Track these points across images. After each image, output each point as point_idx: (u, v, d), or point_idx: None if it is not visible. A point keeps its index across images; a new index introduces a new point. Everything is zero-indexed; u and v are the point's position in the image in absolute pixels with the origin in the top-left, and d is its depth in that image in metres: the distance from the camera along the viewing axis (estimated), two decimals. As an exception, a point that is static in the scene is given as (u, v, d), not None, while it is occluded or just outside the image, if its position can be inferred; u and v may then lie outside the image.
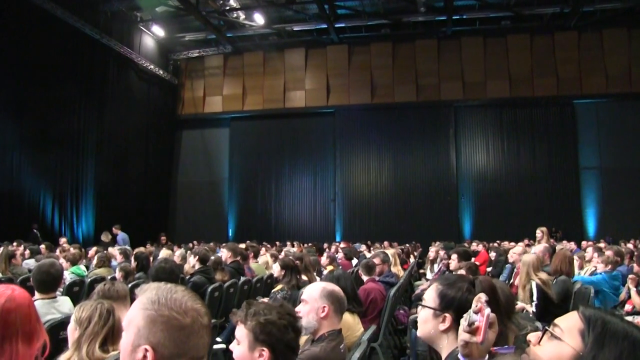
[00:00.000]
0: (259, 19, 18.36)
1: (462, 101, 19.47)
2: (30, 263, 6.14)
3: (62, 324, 3.02)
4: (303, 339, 2.68)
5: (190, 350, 1.35)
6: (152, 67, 19.70)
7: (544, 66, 18.74)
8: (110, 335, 2.43)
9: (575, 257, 6.44)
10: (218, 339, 4.98)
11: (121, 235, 13.27)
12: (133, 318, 1.36)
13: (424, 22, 18.90)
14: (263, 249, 10.08)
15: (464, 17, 18.49)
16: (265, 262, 7.60)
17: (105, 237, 12.52)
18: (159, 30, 19.37)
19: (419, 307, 1.90)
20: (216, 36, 19.82)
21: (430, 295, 1.86)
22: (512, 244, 10.85)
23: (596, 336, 1.24)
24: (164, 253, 6.09)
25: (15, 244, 8.54)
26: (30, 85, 13.59)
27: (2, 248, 6.25)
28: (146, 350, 1.31)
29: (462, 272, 5.03)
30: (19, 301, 1.99)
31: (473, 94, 19.30)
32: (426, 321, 1.83)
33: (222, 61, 21.40)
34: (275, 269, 5.15)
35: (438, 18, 18.57)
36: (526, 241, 11.35)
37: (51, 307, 3.47)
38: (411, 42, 19.79)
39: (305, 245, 13.64)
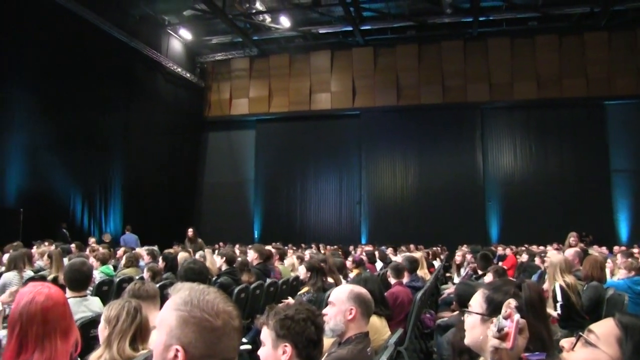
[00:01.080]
0: (284, 21, 18.45)
1: (489, 103, 19.23)
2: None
3: (93, 322, 3.07)
4: (330, 341, 2.68)
5: (221, 352, 1.36)
6: (179, 69, 19.96)
7: (573, 67, 18.38)
8: (139, 333, 2.47)
9: (609, 262, 6.28)
10: (244, 340, 5.01)
11: (126, 236, 13.54)
12: (165, 318, 1.38)
13: (449, 24, 18.71)
14: (289, 251, 10.09)
15: (491, 18, 18.27)
16: (291, 264, 7.61)
17: (106, 238, 12.77)
18: (186, 34, 19.61)
19: (465, 314, 1.85)
20: (242, 39, 19.98)
21: (477, 300, 1.82)
22: (542, 247, 10.66)
23: (635, 344, 1.20)
24: (182, 255, 6.13)
25: (46, 243, 8.73)
26: (61, 87, 13.89)
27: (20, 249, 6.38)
28: (177, 350, 1.33)
29: (490, 276, 4.96)
30: (55, 299, 2.06)
31: (500, 95, 19.05)
32: (474, 327, 1.78)
33: (248, 64, 21.56)
34: (301, 271, 5.16)
35: (464, 19, 18.38)
36: (555, 245, 11.13)
37: (82, 306, 3.52)
38: (437, 44, 19.64)
39: (331, 248, 13.61)
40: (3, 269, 5.51)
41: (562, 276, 4.51)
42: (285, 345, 1.89)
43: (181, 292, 1.42)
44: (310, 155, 20.69)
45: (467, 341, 1.80)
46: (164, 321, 1.39)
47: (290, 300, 4.54)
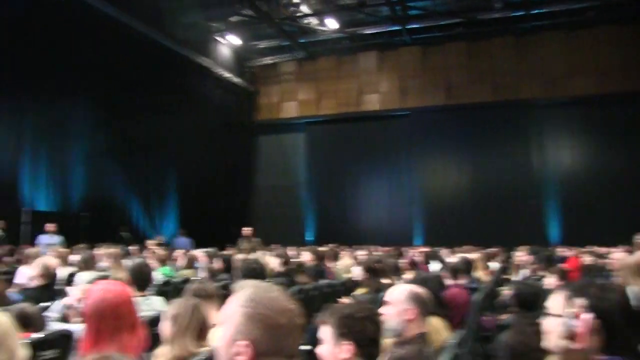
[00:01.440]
0: (331, 23, 18.49)
1: (544, 99, 18.58)
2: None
3: (155, 320, 3.16)
4: (388, 341, 2.65)
5: (285, 349, 1.38)
6: (228, 75, 20.33)
7: (639, 58, 17.44)
8: (200, 331, 2.55)
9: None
10: (301, 340, 5.02)
11: (180, 239, 14.03)
12: (231, 314, 1.41)
13: (500, 19, 18.18)
14: (344, 252, 10.10)
15: (544, 11, 17.65)
16: (346, 265, 7.60)
17: (158, 241, 13.08)
18: (234, 39, 19.95)
19: (544, 317, 1.76)
20: (289, 43, 20.15)
21: (557, 301, 1.73)
22: (607, 249, 10.17)
23: None
24: (238, 257, 6.22)
25: (108, 245, 9.06)
26: (117, 97, 14.53)
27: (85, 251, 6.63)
28: (244, 345, 1.34)
29: (552, 278, 4.78)
30: (123, 296, 2.19)
31: (556, 91, 18.35)
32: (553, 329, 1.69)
33: (296, 67, 21.75)
34: (357, 272, 5.14)
35: (515, 13, 17.83)
36: (623, 247, 10.58)
37: (144, 304, 3.64)
38: (487, 40, 19.17)
39: (383, 249, 13.51)
40: (70, 269, 5.77)
41: (635, 280, 4.28)
42: (346, 344, 1.88)
43: (246, 290, 1.45)
44: (361, 156, 20.60)
45: (548, 344, 1.71)
46: (229, 317, 1.41)
47: (346, 300, 4.53)
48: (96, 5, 13.75)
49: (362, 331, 1.92)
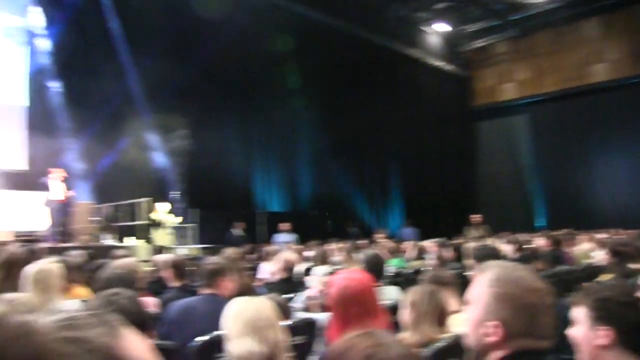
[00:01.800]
0: (544, -7, 16.97)
1: None
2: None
3: (393, 308, 3.25)
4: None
5: (538, 329, 1.30)
6: (439, 63, 20.14)
7: None
8: (439, 317, 2.54)
9: None
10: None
11: (406, 230, 14.28)
12: (478, 295, 1.37)
13: None
14: (581, 236, 9.14)
15: None
16: (586, 250, 6.86)
17: (383, 233, 13.24)
18: (441, 27, 19.67)
19: None
20: (500, 22, 19.10)
21: None
22: None
23: None
24: (469, 245, 6.04)
25: (339, 240, 9.67)
26: (336, 98, 15.45)
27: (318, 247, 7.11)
28: (494, 325, 1.30)
29: None
30: (365, 284, 2.32)
31: None
32: None
33: (510, 46, 20.51)
34: (599, 256, 4.59)
35: None
36: None
37: (380, 294, 3.78)
38: None
39: (627, 232, 11.82)
40: (306, 264, 6.31)
41: None
42: (605, 329, 1.69)
43: (492, 270, 1.39)
44: (591, 133, 18.53)
45: None
46: (477, 298, 1.37)
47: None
48: (308, 13, 14.97)
49: (624, 317, 1.70)
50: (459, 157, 20.73)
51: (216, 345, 2.35)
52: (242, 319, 1.95)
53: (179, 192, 12.65)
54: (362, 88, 16.05)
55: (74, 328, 0.75)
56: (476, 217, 11.68)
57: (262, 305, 2.03)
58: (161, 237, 10.25)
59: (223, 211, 12.50)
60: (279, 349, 1.94)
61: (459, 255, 5.51)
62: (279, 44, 14.00)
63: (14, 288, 2.99)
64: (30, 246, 5.98)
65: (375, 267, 3.97)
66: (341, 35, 15.74)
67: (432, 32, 20.06)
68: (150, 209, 10.79)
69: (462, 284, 2.81)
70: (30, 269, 3.09)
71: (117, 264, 3.75)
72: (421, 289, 2.62)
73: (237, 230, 11.92)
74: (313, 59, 14.76)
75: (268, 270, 5.65)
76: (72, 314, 0.79)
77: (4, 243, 7.21)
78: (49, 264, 3.20)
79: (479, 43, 21.00)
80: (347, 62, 15.64)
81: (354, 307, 2.20)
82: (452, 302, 2.86)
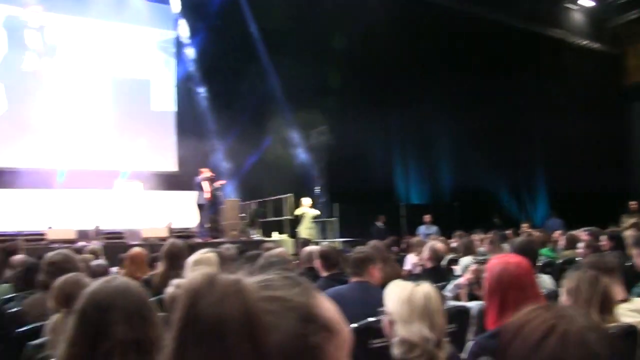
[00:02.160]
0: None
1: None
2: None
3: (550, 295, 3.13)
4: None
5: None
6: (584, 42, 18.66)
7: None
8: (603, 304, 2.39)
9: None
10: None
11: (551, 221, 13.32)
12: None
13: None
14: None
15: None
16: None
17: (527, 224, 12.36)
18: (586, 2, 18.17)
19: None
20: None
21: None
22: None
23: None
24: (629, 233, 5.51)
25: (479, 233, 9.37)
26: (472, 86, 14.84)
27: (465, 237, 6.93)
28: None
29: None
30: (525, 267, 2.25)
31: None
32: None
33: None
34: None
35: None
36: None
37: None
38: None
39: None
40: (452, 255, 6.23)
41: None
42: None
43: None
44: None
45: None
46: None
47: None
48: (443, 2, 14.76)
49: None
50: (611, 140, 18.83)
51: (370, 331, 2.42)
52: (412, 304, 1.92)
53: (320, 187, 13.11)
54: (502, 74, 15.35)
55: (274, 288, 0.83)
56: (634, 204, 10.61)
57: (430, 291, 1.99)
58: (305, 231, 10.68)
59: (363, 204, 12.73)
60: (444, 336, 1.94)
61: (617, 244, 5.06)
62: (414, 36, 13.96)
63: (178, 277, 3.30)
64: (187, 241, 6.58)
65: (527, 254, 3.80)
66: (477, 21, 15.25)
67: (576, 8, 18.54)
68: (295, 205, 11.30)
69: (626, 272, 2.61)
70: (191, 258, 3.40)
71: (271, 253, 4.00)
72: (582, 274, 2.48)
73: (379, 223, 12.25)
74: (450, 47, 14.57)
75: (412, 262, 5.67)
76: (269, 276, 0.87)
77: (163, 239, 8.11)
78: (207, 253, 3.50)
79: (632, 15, 18.84)
80: (485, 48, 15.21)
81: (512, 293, 2.10)
82: (617, 289, 2.67)
